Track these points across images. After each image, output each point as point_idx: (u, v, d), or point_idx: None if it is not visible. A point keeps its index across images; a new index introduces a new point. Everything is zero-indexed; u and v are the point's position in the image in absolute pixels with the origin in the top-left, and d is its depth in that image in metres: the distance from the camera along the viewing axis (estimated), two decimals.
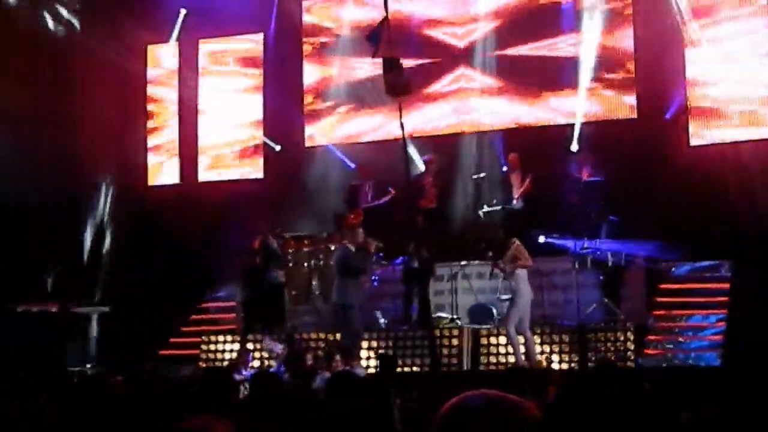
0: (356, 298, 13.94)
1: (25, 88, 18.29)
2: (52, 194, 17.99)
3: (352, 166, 17.77)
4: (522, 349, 13.28)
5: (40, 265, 16.43)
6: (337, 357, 12.76)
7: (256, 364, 14.69)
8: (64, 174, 18.77)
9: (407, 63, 13.58)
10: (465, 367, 14.08)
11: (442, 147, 17.15)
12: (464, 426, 1.66)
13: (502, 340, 14.04)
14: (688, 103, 16.45)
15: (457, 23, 18.21)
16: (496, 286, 15.01)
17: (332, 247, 15.74)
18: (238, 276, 16.51)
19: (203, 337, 16.10)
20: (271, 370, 12.33)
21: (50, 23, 18.91)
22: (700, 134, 16.46)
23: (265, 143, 19.05)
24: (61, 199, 18.30)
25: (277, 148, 18.76)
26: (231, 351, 15.60)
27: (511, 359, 13.70)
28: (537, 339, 13.98)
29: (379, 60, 11.39)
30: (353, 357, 13.19)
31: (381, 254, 15.44)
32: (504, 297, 14.28)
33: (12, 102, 17.94)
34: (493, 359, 14.26)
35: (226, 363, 15.03)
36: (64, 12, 19.12)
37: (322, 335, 15.06)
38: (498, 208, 15.99)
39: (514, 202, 15.90)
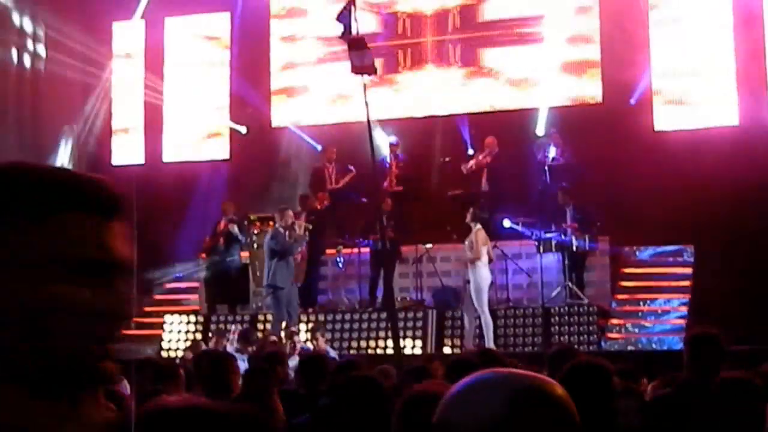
0: (284, 279, 14.13)
1: None
2: None
3: (318, 147, 17.71)
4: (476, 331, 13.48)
5: None
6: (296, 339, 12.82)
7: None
8: (25, 152, 18.57)
9: (374, 44, 13.48)
10: (429, 350, 14.10)
11: (409, 130, 17.13)
12: (476, 406, 1.59)
13: (467, 323, 14.08)
14: (652, 88, 16.52)
15: (425, 7, 18.17)
16: (460, 270, 15.04)
17: (297, 229, 15.71)
18: (202, 257, 16.49)
19: (166, 317, 16.03)
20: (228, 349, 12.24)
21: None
22: (665, 119, 16.54)
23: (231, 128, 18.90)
24: None
25: (243, 130, 18.64)
26: (194, 332, 15.54)
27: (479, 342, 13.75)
28: (500, 322, 14.05)
29: (345, 39, 11.35)
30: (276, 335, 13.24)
31: (312, 236, 15.41)
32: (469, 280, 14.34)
33: None
34: (457, 342, 14.30)
35: (188, 343, 14.96)
36: None
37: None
38: (459, 191, 16.03)
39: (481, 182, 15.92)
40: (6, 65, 18.52)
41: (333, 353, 12.40)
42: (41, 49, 19.15)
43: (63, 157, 19.31)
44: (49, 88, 19.15)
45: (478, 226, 13.67)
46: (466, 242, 13.68)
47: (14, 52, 18.71)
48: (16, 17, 18.73)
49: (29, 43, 19.02)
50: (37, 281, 1.26)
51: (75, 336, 1.28)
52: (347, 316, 14.93)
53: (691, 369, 5.53)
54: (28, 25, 18.97)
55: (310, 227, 15.00)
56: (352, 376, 4.83)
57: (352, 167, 16.24)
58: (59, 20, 18.41)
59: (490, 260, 13.82)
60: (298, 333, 13.49)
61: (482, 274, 13.43)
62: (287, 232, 14.44)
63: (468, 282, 14.25)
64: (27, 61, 18.99)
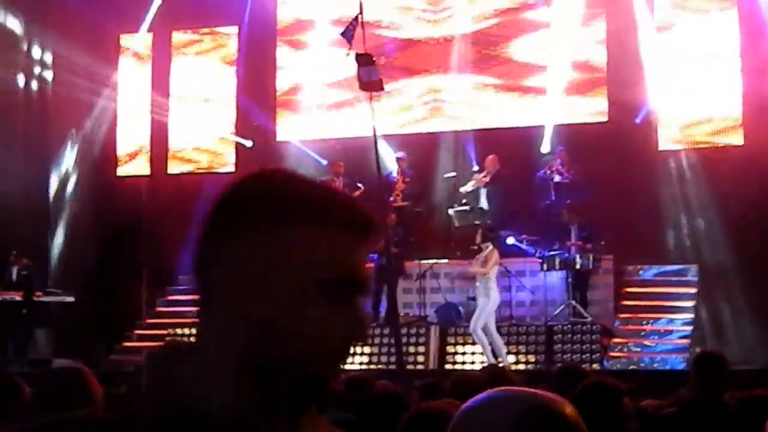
0: None
1: None
2: (19, 183, 17.80)
3: (324, 162, 17.72)
4: (489, 348, 13.44)
5: (4, 253, 16.26)
6: None
7: None
8: (32, 163, 18.63)
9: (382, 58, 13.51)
10: (431, 366, 14.09)
11: (414, 145, 17.15)
12: (486, 425, 1.60)
13: (469, 339, 14.10)
14: (657, 107, 16.53)
15: (432, 22, 18.21)
16: (465, 286, 15.09)
17: None
18: None
19: (169, 330, 16.01)
20: None
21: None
22: (669, 139, 16.55)
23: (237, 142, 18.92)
24: (28, 188, 18.14)
25: (249, 144, 18.65)
26: None
27: (480, 359, 13.75)
28: (503, 339, 14.04)
29: (353, 56, 11.38)
30: None
31: None
32: (473, 297, 14.36)
33: None
34: (459, 359, 14.30)
35: None
36: None
37: None
38: (466, 208, 16.04)
39: (482, 201, 15.94)
40: (13, 84, 18.60)
41: None
42: (48, 69, 19.25)
43: (67, 166, 19.36)
44: (55, 101, 19.23)
45: (490, 246, 13.76)
46: (479, 257, 13.74)
47: (21, 76, 18.82)
48: (23, 39, 18.84)
49: (36, 64, 19.12)
50: (301, 299, 1.28)
51: (321, 356, 1.30)
52: None
53: (696, 389, 5.56)
54: (35, 47, 19.07)
55: None
56: (376, 392, 4.83)
57: (361, 185, 16.23)
58: (66, 39, 18.47)
59: None
60: None
61: (494, 297, 13.54)
62: None
63: (472, 299, 14.27)
64: (34, 80, 19.09)
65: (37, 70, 19.21)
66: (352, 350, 1.34)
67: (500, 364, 12.84)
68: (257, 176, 1.37)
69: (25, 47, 18.94)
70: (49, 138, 19.24)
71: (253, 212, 1.30)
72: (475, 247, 14.10)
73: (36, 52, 19.15)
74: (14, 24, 18.51)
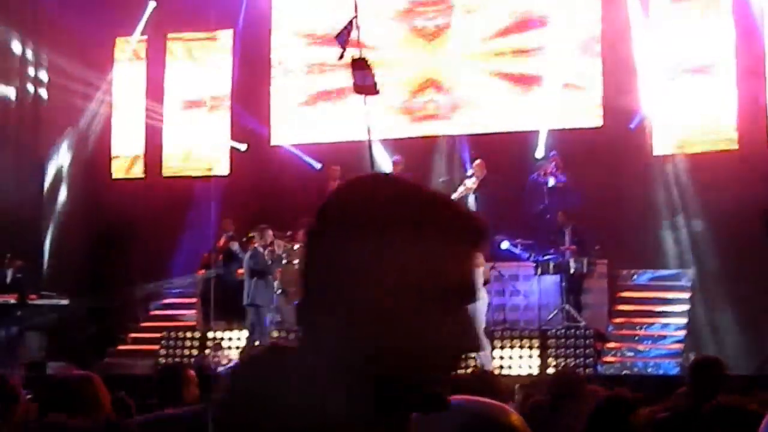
0: (264, 298, 14.51)
1: None
2: (12, 186, 17.78)
3: (318, 166, 17.71)
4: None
5: None
6: None
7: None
8: (25, 166, 18.61)
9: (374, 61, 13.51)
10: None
11: (409, 149, 17.15)
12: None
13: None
14: (651, 112, 16.55)
15: (428, 28, 18.22)
16: None
17: (295, 247, 15.77)
18: (200, 272, 16.51)
19: (163, 333, 16.00)
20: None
21: None
22: (663, 143, 16.57)
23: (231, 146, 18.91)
24: (22, 191, 18.11)
25: (243, 148, 18.63)
26: (191, 347, 15.53)
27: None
28: (497, 343, 14.05)
29: (348, 60, 11.42)
30: None
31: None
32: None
33: None
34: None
35: (185, 359, 14.97)
36: None
37: (284, 334, 15.00)
38: None
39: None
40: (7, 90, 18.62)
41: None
42: (42, 71, 19.23)
43: (61, 169, 19.34)
44: (49, 104, 19.23)
45: None
46: None
47: (15, 80, 18.81)
48: (16, 45, 18.82)
49: (30, 65, 19.11)
50: (415, 308, 1.27)
51: (431, 365, 1.29)
52: None
53: (691, 394, 5.57)
54: (29, 51, 19.06)
55: (290, 246, 15.25)
56: None
57: None
58: (61, 42, 18.46)
59: (486, 281, 13.85)
60: None
61: (485, 300, 13.52)
62: (266, 251, 14.61)
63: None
64: (29, 83, 19.08)
65: (31, 72, 19.18)
66: (462, 360, 1.34)
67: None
68: (366, 182, 1.35)
69: (18, 51, 18.90)
70: (43, 142, 19.22)
71: (367, 219, 1.28)
72: None
73: (29, 54, 19.12)
74: (5, 30, 18.46)
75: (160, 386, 5.88)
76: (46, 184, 19.24)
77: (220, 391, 1.32)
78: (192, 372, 5.91)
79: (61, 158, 19.39)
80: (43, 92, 19.30)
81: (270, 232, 15.02)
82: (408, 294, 1.26)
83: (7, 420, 4.68)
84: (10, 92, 18.75)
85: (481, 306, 13.51)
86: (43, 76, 19.29)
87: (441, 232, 1.29)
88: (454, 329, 1.29)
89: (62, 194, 19.20)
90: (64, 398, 3.88)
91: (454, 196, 15.93)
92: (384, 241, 1.27)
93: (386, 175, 1.38)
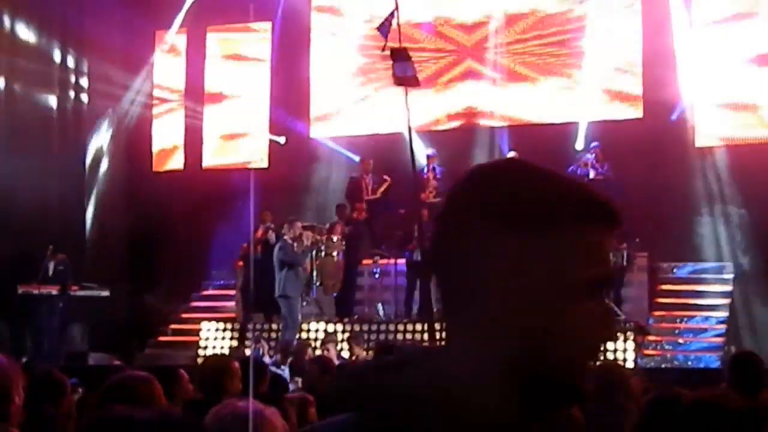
0: (294, 289, 14.55)
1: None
2: (54, 178, 17.95)
3: (356, 158, 17.73)
4: None
5: (41, 247, 16.40)
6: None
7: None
8: (67, 158, 18.79)
9: (414, 54, 13.45)
10: None
11: (446, 141, 17.13)
12: None
13: None
14: (693, 103, 16.41)
15: (467, 18, 18.18)
16: None
17: (334, 239, 15.82)
18: (239, 264, 16.58)
19: (203, 324, 16.09)
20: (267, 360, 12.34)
21: None
22: (705, 135, 16.43)
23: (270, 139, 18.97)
24: (64, 182, 18.28)
25: (282, 141, 18.65)
26: (231, 338, 15.61)
27: None
28: None
29: (388, 51, 11.37)
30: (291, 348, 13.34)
31: (318, 246, 15.57)
32: None
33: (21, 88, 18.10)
34: None
35: (224, 350, 15.06)
36: None
37: (322, 326, 15.05)
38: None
39: None
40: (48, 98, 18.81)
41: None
42: (84, 64, 19.42)
43: (101, 161, 19.50)
44: (91, 98, 19.43)
45: None
46: None
47: (56, 74, 18.98)
48: (57, 54, 19.00)
49: (72, 56, 19.28)
50: (565, 300, 1.24)
51: (579, 356, 1.27)
52: (382, 327, 14.94)
53: (732, 389, 5.53)
54: (70, 59, 19.23)
55: (318, 238, 15.29)
56: None
57: (387, 176, 16.37)
58: (102, 36, 18.58)
59: None
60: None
61: None
62: (295, 244, 14.66)
63: None
64: (71, 74, 19.26)
65: (71, 63, 19.34)
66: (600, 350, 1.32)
67: None
68: (499, 170, 1.32)
69: (58, 57, 19.06)
70: (85, 135, 19.40)
71: (508, 211, 1.25)
72: None
73: (70, 62, 19.28)
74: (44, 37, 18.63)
75: (205, 378, 5.91)
76: (88, 177, 19.42)
77: (361, 398, 1.28)
78: (236, 364, 5.93)
79: (102, 145, 19.55)
80: (84, 97, 19.48)
81: (299, 224, 15.08)
82: (557, 285, 1.24)
83: (55, 412, 4.74)
84: (52, 100, 18.94)
85: None
86: (84, 82, 19.47)
87: (581, 218, 1.26)
88: (596, 318, 1.27)
89: (103, 186, 19.34)
90: (123, 396, 3.91)
91: None
92: (527, 232, 1.24)
93: (516, 161, 1.35)
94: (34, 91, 18.49)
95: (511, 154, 15.93)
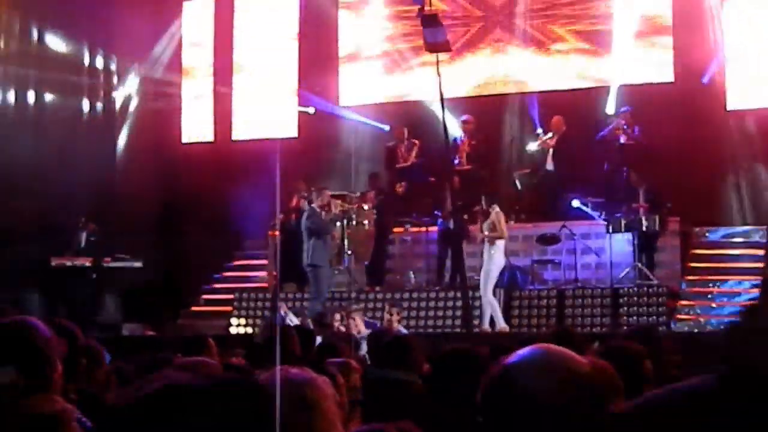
0: (322, 258, 14.45)
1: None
2: (86, 149, 18.03)
3: (386, 128, 17.70)
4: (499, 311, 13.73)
5: (73, 220, 16.51)
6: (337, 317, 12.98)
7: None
8: (98, 130, 18.89)
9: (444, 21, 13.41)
10: (497, 329, 14.08)
11: (479, 108, 17.06)
12: (523, 379, 1.62)
13: (534, 302, 14.16)
14: (725, 67, 16.27)
15: None
16: (529, 249, 15.15)
17: (365, 207, 15.80)
18: (273, 234, 16.60)
19: (236, 294, 16.16)
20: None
21: None
22: (737, 98, 16.29)
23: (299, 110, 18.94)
24: (96, 153, 18.36)
25: (311, 111, 18.60)
26: (263, 308, 15.68)
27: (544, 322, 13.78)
28: (568, 302, 14.05)
29: (417, 17, 11.33)
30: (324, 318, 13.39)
31: (348, 214, 15.56)
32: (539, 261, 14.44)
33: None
34: (525, 321, 14.28)
35: (258, 320, 15.13)
36: None
37: (353, 294, 15.08)
38: (527, 171, 16.13)
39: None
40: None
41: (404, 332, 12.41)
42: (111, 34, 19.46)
43: (133, 131, 19.57)
44: (119, 72, 19.48)
45: (497, 207, 13.83)
46: (487, 223, 13.79)
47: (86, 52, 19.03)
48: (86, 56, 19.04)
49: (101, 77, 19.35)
50: None
51: None
52: (414, 295, 14.95)
53: None
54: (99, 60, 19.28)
55: (347, 206, 15.28)
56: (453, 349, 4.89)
57: (416, 140, 16.40)
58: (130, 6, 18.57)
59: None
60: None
61: (499, 261, 13.68)
62: (323, 212, 14.63)
63: (537, 262, 14.27)
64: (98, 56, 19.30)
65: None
66: None
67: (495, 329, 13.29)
68: None
69: (87, 61, 19.12)
70: (114, 108, 19.48)
71: None
72: (478, 209, 14.16)
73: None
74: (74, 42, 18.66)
75: (264, 346, 5.91)
76: (119, 147, 19.51)
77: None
78: (294, 332, 5.96)
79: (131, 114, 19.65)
80: (113, 62, 19.51)
81: (327, 193, 15.02)
82: None
83: (91, 381, 4.78)
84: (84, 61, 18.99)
85: (496, 266, 13.61)
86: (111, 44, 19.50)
87: None
88: None
89: (134, 158, 19.38)
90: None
91: (529, 148, 15.92)
92: None
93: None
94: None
95: (556, 118, 15.94)
